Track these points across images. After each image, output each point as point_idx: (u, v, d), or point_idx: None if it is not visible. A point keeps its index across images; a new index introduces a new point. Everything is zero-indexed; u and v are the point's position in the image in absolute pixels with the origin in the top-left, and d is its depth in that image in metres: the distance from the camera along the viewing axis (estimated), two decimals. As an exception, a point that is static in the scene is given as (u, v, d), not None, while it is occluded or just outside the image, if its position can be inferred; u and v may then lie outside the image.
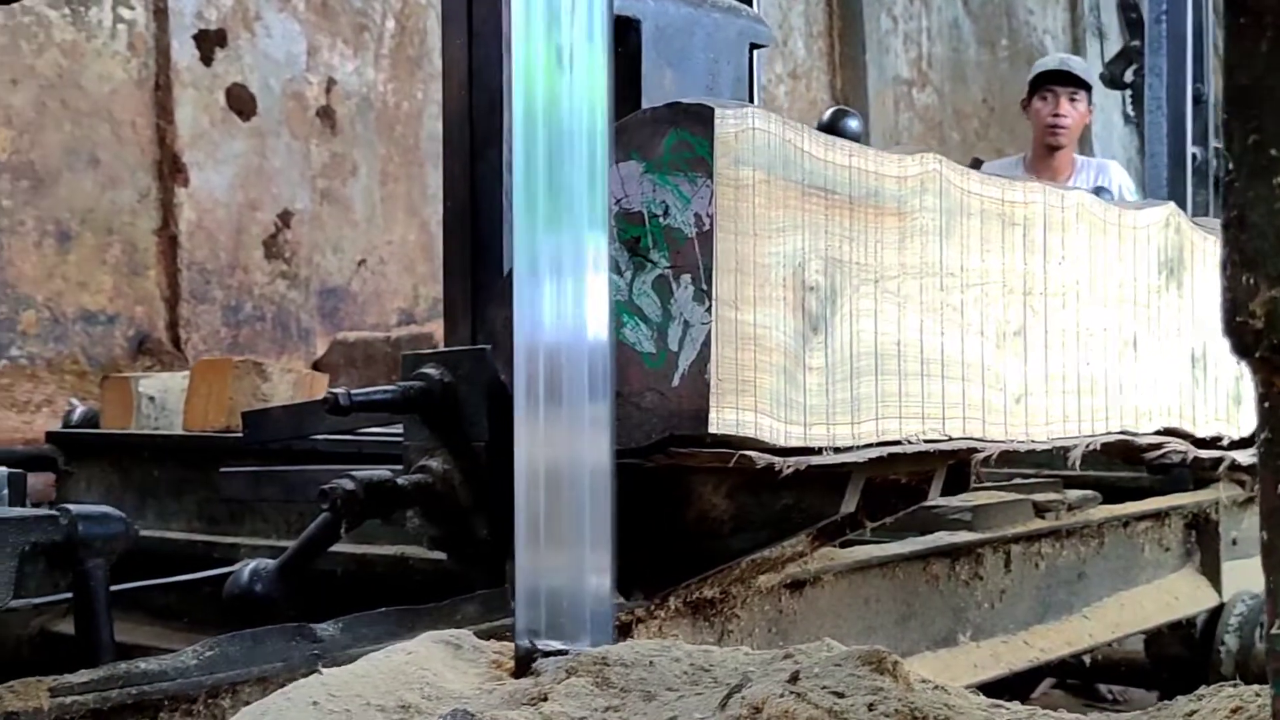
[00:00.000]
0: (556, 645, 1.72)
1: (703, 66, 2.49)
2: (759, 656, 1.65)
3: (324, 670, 1.64)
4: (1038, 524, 3.22)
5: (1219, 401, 2.80)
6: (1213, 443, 2.81)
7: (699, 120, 1.89)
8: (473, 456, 2.27)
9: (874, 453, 2.07)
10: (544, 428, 1.75)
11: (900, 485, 2.40)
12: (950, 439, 2.24)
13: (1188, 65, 3.78)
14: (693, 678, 1.60)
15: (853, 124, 2.82)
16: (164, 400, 2.86)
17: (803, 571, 2.65)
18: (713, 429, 1.87)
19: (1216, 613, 3.73)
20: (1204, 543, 3.73)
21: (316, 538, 2.23)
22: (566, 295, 1.73)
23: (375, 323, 7.99)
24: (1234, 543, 3.79)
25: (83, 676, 1.81)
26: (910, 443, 2.15)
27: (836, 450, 2.04)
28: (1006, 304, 2.34)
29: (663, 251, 1.90)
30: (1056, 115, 5.88)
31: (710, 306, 1.87)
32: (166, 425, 2.88)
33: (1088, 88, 5.92)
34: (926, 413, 2.19)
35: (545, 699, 1.54)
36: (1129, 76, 4.89)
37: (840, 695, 1.39)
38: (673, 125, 1.91)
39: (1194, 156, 3.87)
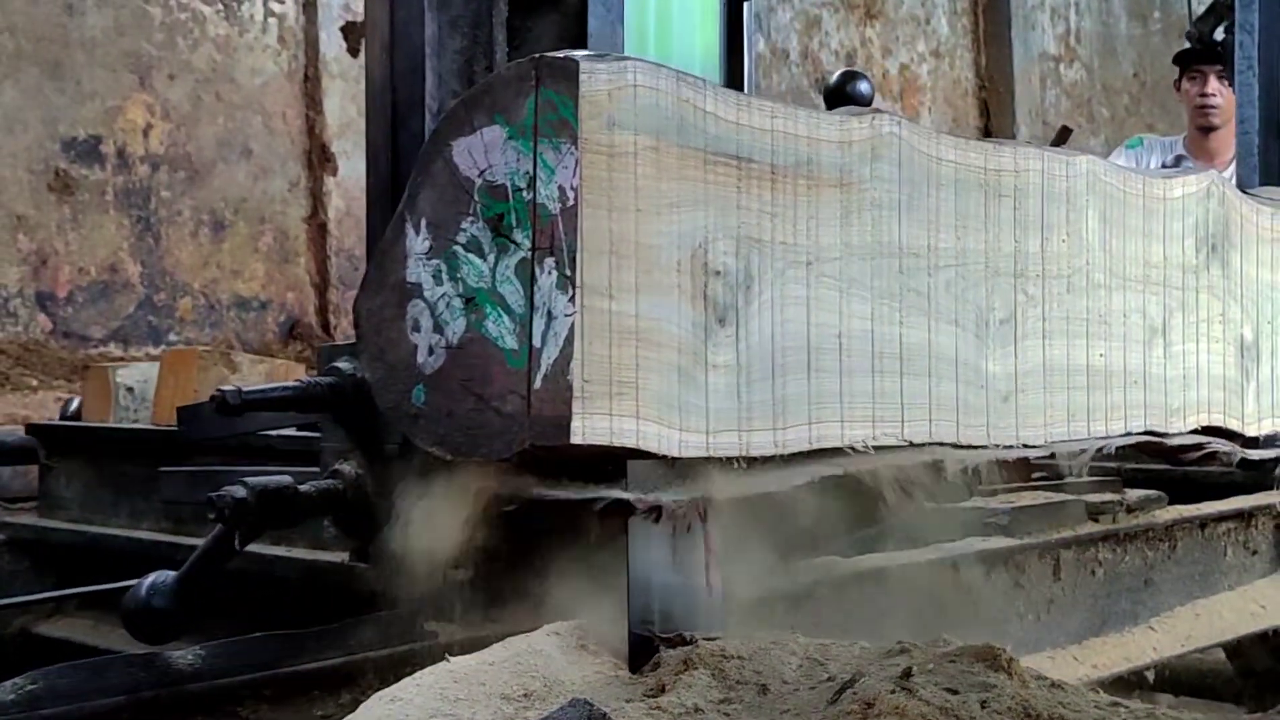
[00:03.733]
0: (672, 635, 1.66)
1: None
2: (874, 650, 1.61)
3: (451, 659, 1.60)
4: (1090, 528, 2.78)
5: (1276, 395, 2.33)
6: (1269, 441, 2.34)
7: (563, 76, 1.53)
8: (386, 461, 1.96)
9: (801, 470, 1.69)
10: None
11: (875, 494, 2.01)
12: (911, 444, 1.84)
13: (1282, 20, 3.26)
14: (807, 671, 1.58)
15: (863, 87, 2.43)
16: (144, 391, 2.61)
17: (792, 584, 2.27)
18: (577, 439, 1.51)
19: (1310, 623, 3.21)
20: (1298, 546, 3.22)
21: (211, 551, 1.93)
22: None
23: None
24: (1336, 545, 3.27)
25: None
26: (854, 450, 1.76)
27: (750, 461, 1.66)
28: (991, 288, 1.93)
29: (526, 231, 1.55)
30: (1204, 95, 5.28)
31: (574, 295, 1.51)
32: (146, 418, 2.63)
33: None
34: (879, 415, 1.80)
35: (663, 690, 1.52)
36: (1219, 34, 4.31)
37: (953, 692, 1.36)
38: (536, 82, 1.55)
39: (1290, 121, 3.35)
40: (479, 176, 1.58)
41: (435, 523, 1.93)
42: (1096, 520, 2.81)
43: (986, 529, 2.68)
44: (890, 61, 9.28)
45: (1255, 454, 2.33)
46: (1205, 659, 3.38)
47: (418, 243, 1.62)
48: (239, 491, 1.87)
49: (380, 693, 1.56)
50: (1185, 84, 5.40)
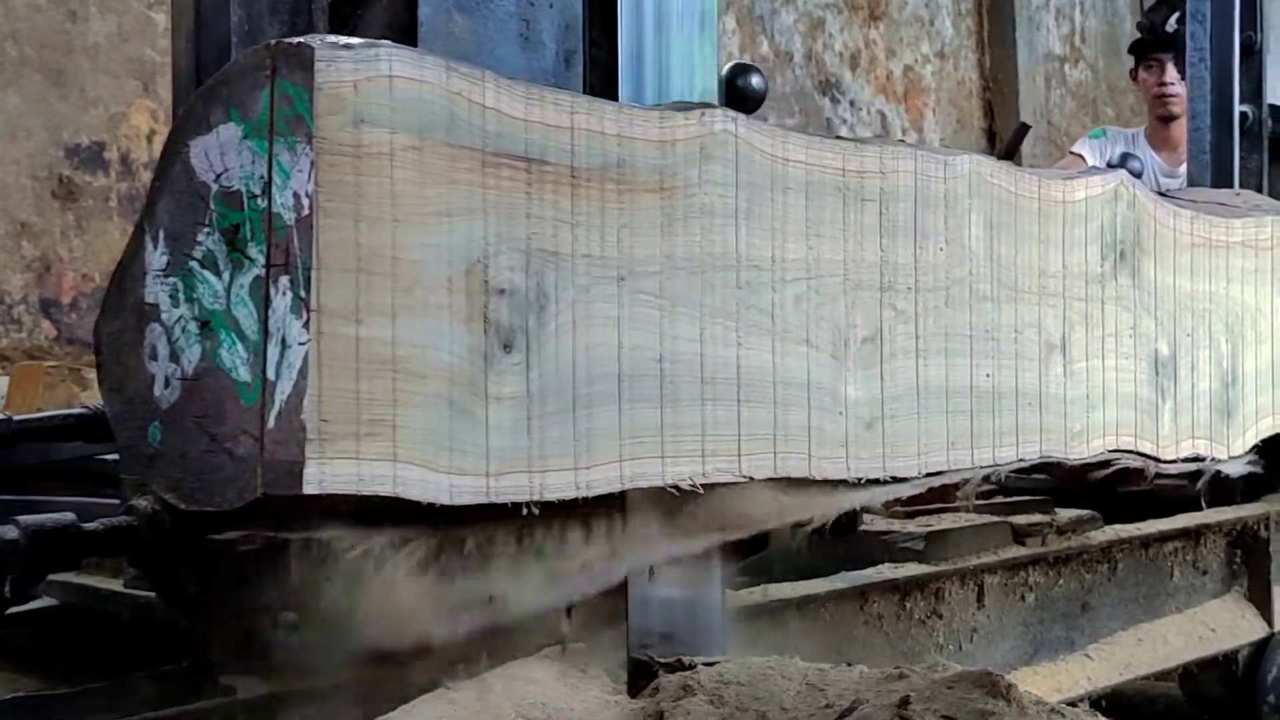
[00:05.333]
0: (671, 659, 1.59)
1: (511, 10, 1.83)
2: (871, 676, 1.56)
3: (450, 686, 1.51)
4: (1015, 552, 2.49)
5: (1197, 415, 2.03)
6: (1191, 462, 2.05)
7: (299, 65, 1.26)
8: (186, 495, 1.69)
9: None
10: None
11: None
12: (751, 480, 1.57)
13: (1235, 10, 2.95)
14: (806, 697, 1.53)
15: (755, 81, 2.15)
16: None
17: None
18: (312, 488, 1.24)
19: (1264, 645, 2.91)
20: (1252, 564, 2.92)
21: (-11, 597, 1.67)
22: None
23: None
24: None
25: None
26: (677, 489, 1.49)
27: (544, 506, 1.39)
28: (851, 303, 1.65)
29: (260, 245, 1.28)
30: (1163, 84, 4.93)
31: (309, 320, 1.25)
32: (5, 438, 2.39)
33: None
34: (710, 449, 1.52)
35: (661, 717, 1.48)
36: (1171, 25, 3.97)
37: (950, 719, 1.34)
38: (273, 72, 1.29)
39: (1243, 116, 3.03)
40: (215, 181, 1.32)
41: (238, 564, 1.68)
42: (1023, 543, 2.52)
43: (900, 555, 2.40)
44: (894, 63, 8.97)
45: (1173, 469, 2.04)
46: (1155, 686, 3.09)
47: (156, 257, 1.36)
48: (9, 532, 1.61)
49: None
50: (1142, 73, 5.06)
